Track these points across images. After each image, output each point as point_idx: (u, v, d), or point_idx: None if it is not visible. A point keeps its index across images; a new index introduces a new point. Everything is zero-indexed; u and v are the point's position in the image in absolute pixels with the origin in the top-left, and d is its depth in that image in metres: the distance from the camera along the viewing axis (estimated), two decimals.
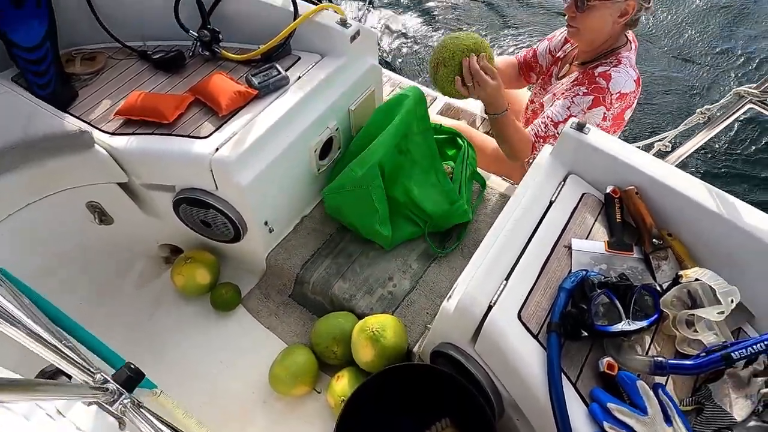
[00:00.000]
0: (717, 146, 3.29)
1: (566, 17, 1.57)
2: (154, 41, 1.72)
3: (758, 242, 1.08)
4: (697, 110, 1.18)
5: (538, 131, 1.67)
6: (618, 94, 1.48)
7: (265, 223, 1.55)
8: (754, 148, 3.29)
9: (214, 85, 1.44)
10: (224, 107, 1.40)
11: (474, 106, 2.49)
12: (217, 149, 1.34)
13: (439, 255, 1.65)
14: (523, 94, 2.30)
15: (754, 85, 1.07)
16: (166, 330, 1.67)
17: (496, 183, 1.88)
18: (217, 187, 1.41)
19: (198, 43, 1.59)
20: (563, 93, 1.63)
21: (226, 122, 1.41)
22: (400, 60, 4.05)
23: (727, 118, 1.13)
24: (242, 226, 1.49)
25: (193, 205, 1.47)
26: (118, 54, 1.68)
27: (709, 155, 3.27)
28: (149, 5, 1.66)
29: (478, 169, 1.84)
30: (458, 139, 1.85)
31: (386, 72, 2.74)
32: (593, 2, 1.47)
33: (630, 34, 1.63)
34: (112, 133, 1.43)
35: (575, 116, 1.55)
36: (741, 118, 1.19)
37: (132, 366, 0.72)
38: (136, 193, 1.57)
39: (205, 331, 1.66)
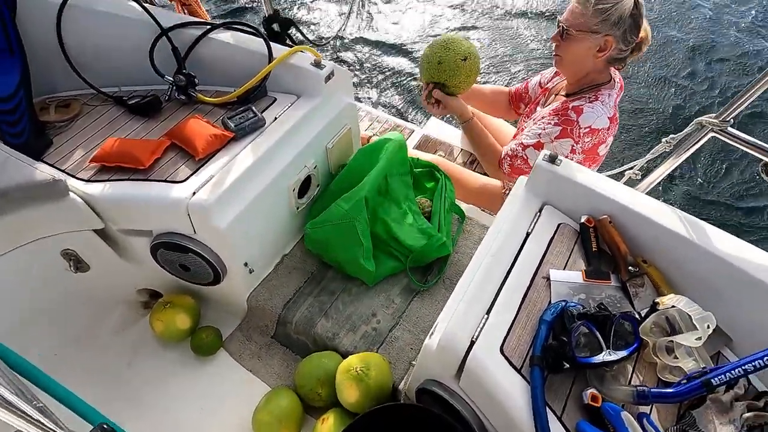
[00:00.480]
0: (685, 172, 3.39)
1: (553, 46, 1.64)
2: (130, 86, 1.73)
3: (730, 267, 1.10)
4: (663, 139, 1.21)
5: (508, 150, 1.74)
6: (588, 129, 1.52)
7: (245, 264, 1.54)
8: (720, 173, 3.41)
9: (190, 129, 1.45)
10: (201, 151, 1.40)
11: (451, 138, 2.53)
12: (194, 193, 1.34)
13: (421, 289, 1.65)
14: (506, 127, 2.35)
15: (714, 114, 1.11)
16: (146, 378, 1.62)
17: (475, 214, 1.90)
18: (195, 231, 1.40)
19: (174, 88, 1.60)
20: (539, 120, 1.68)
21: (202, 166, 1.41)
22: (378, 92, 4.12)
23: (692, 146, 1.17)
24: (222, 269, 1.48)
25: (171, 249, 1.45)
26: (93, 100, 1.68)
27: (678, 181, 3.37)
28: (124, 51, 1.68)
29: (457, 201, 1.87)
30: (435, 172, 1.88)
31: (363, 107, 2.79)
32: (573, 33, 1.53)
33: (617, 74, 1.67)
34: (88, 180, 1.41)
35: (544, 143, 1.59)
36: (707, 145, 1.23)
37: (105, 426, 0.69)
38: (112, 239, 1.55)
39: (185, 377, 1.62)
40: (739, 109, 1.11)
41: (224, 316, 1.72)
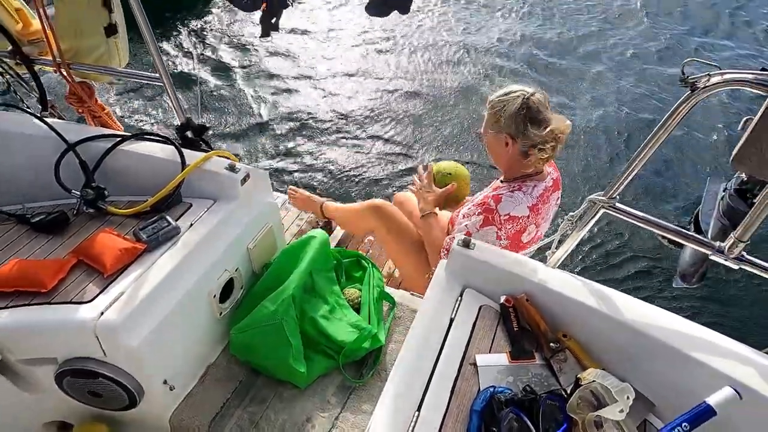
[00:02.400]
0: (591, 245, 3.67)
1: None
2: (35, 203, 1.65)
3: (640, 334, 1.15)
4: (565, 217, 1.30)
5: (445, 244, 1.78)
6: (508, 216, 1.61)
7: (165, 382, 1.43)
8: (626, 238, 3.72)
9: (98, 244, 1.39)
10: (109, 267, 1.34)
11: None
12: (102, 313, 1.26)
13: (356, 385, 1.59)
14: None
15: (602, 192, 1.21)
16: None
17: (405, 300, 1.90)
18: (105, 354, 1.30)
19: (81, 202, 1.55)
20: (466, 211, 1.75)
21: (112, 282, 1.34)
22: (307, 180, 4.17)
23: (587, 223, 1.26)
24: (137, 391, 1.36)
25: (79, 376, 1.33)
26: None
27: (586, 252, 3.62)
28: (28, 168, 1.63)
29: (386, 288, 1.87)
30: (362, 261, 1.89)
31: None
32: (482, 133, 1.73)
33: (553, 171, 1.76)
34: None
35: (471, 233, 1.65)
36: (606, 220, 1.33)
37: None
38: (11, 369, 1.40)
39: None
40: (623, 185, 1.21)
41: None
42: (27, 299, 1.31)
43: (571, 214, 1.30)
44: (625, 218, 1.21)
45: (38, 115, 1.68)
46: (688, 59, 1.00)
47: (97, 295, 1.31)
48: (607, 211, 1.21)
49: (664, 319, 1.21)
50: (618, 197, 1.20)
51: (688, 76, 0.98)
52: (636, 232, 3.70)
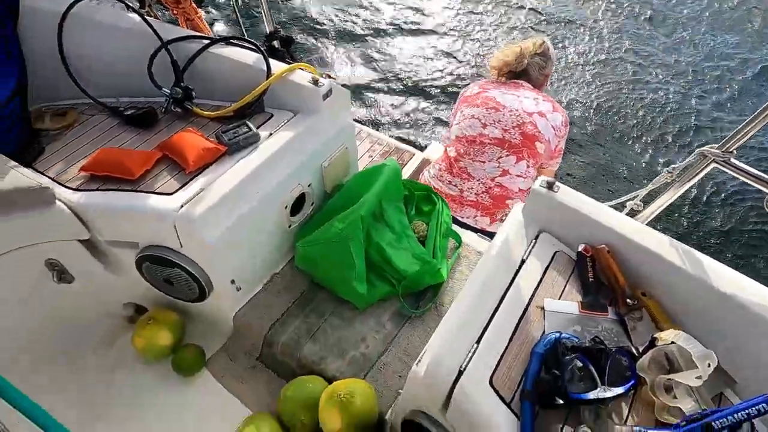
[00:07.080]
0: (687, 203, 3.33)
1: None
2: (128, 98, 1.71)
3: (732, 303, 1.05)
4: (665, 169, 1.18)
5: None
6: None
7: (232, 282, 1.50)
8: (722, 204, 3.34)
9: (183, 142, 1.43)
10: (191, 164, 1.38)
11: None
12: (182, 206, 1.31)
13: (413, 315, 1.60)
14: None
15: (717, 145, 1.08)
16: (124, 396, 1.56)
17: (472, 240, 1.85)
18: (181, 245, 1.37)
19: (170, 100, 1.59)
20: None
21: (193, 179, 1.38)
22: (380, 114, 4.12)
23: (694, 177, 1.14)
24: (207, 285, 1.43)
25: (157, 263, 1.41)
26: (90, 110, 1.67)
27: (680, 212, 3.30)
28: (123, 62, 1.67)
29: (454, 227, 1.83)
30: (432, 195, 1.85)
31: (364, 129, 2.78)
32: None
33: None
34: (76, 189, 1.39)
35: None
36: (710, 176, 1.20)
37: None
38: (98, 249, 1.51)
39: (165, 397, 1.56)
40: (742, 141, 1.08)
41: (209, 334, 1.66)
42: (116, 185, 1.38)
43: (673, 166, 1.18)
44: (739, 176, 1.08)
45: (137, 9, 1.71)
46: None
47: (178, 190, 1.35)
48: (719, 166, 1.08)
49: (758, 291, 1.09)
50: (735, 152, 1.07)
51: None
52: (739, 195, 3.32)
